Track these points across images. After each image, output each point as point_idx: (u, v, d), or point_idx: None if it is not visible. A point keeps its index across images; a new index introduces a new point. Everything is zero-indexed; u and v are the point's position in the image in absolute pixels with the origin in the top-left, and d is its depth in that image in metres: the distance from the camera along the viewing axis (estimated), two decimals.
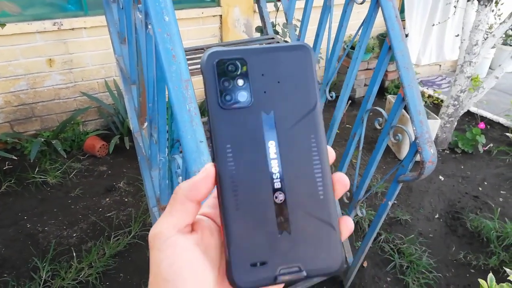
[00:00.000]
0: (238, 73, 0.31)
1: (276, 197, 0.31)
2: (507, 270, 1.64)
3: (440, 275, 1.89)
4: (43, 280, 1.65)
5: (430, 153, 1.31)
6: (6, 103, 2.51)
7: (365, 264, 1.92)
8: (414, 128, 1.28)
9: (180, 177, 1.12)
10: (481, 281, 1.57)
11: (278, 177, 0.31)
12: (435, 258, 1.98)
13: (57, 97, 2.64)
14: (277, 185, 0.31)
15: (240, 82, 0.31)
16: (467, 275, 1.92)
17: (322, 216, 0.32)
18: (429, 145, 1.31)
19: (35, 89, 2.56)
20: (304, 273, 0.31)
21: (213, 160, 0.32)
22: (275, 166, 0.31)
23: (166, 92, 0.95)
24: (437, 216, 2.30)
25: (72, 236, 1.91)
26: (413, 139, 1.31)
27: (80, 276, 1.69)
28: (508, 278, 1.60)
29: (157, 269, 0.29)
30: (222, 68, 0.31)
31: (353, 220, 2.00)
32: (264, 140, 0.31)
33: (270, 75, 0.32)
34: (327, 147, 0.33)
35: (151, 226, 1.92)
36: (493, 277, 1.57)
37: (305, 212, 0.31)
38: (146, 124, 1.59)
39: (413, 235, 2.11)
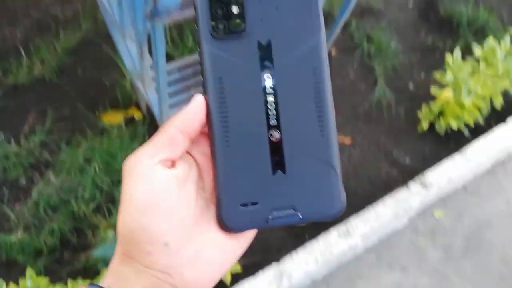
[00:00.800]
0: None
1: (271, 135, 0.29)
2: (474, 44, 1.63)
3: (407, 58, 1.89)
4: None
5: None
6: None
7: (332, 53, 1.89)
8: None
9: None
10: (447, 56, 1.56)
11: (274, 113, 0.29)
12: (403, 44, 1.96)
13: None
14: (273, 122, 0.29)
15: (234, 8, 0.29)
16: (433, 58, 1.93)
17: (322, 155, 0.29)
18: None
19: None
20: (299, 216, 0.29)
21: (204, 93, 0.29)
22: (270, 101, 0.29)
23: None
24: (411, 5, 2.20)
25: (15, 35, 1.75)
26: None
27: (34, 72, 1.60)
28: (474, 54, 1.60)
29: (131, 199, 0.27)
30: None
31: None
32: (259, 72, 0.29)
33: (267, 1, 0.29)
34: (330, 81, 0.30)
35: (103, 23, 1.77)
36: (460, 52, 1.56)
37: (303, 151, 0.29)
38: None
39: (384, 23, 2.04)
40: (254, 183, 0.29)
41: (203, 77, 0.29)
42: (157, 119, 1.44)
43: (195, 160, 0.31)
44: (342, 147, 1.60)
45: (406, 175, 1.55)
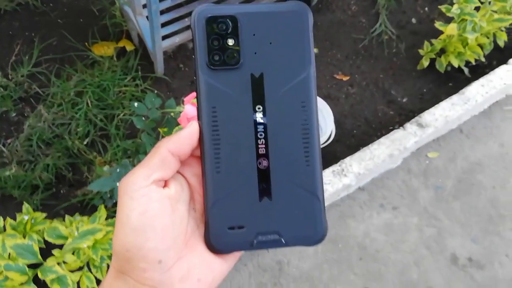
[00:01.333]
0: (229, 31, 0.31)
1: (259, 163, 0.31)
2: None
3: None
4: None
5: None
6: None
7: None
8: None
9: None
10: None
11: (263, 142, 0.31)
12: None
13: None
14: (262, 150, 0.31)
15: (230, 41, 0.31)
16: None
17: (306, 185, 0.31)
18: None
19: None
20: (283, 241, 0.31)
21: (198, 119, 0.31)
22: (260, 131, 0.31)
23: None
24: None
25: None
26: None
27: None
28: None
29: (126, 218, 0.28)
30: (212, 26, 0.31)
31: None
32: (251, 103, 0.31)
33: (262, 36, 0.31)
34: (317, 114, 0.32)
35: None
36: None
37: (289, 180, 0.31)
38: None
39: None
40: (242, 208, 0.31)
41: (197, 104, 0.31)
42: (150, 51, 1.39)
43: (188, 181, 0.32)
44: (340, 84, 1.57)
45: (403, 114, 1.54)
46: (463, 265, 1.32)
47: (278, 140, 0.31)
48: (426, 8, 1.78)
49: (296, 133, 0.31)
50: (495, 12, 1.47)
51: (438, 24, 1.50)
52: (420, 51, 1.59)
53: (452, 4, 1.47)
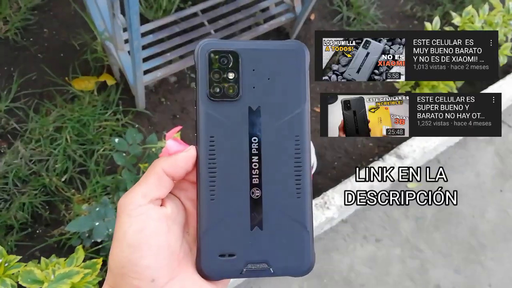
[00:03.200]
0: (230, 66, 0.32)
1: (252, 193, 0.32)
2: (452, 13, 1.62)
3: (385, 25, 1.87)
4: None
5: None
6: None
7: (312, 17, 1.84)
8: None
9: None
10: (426, 24, 1.55)
11: (257, 173, 0.32)
12: (382, 10, 1.93)
13: None
14: (255, 181, 0.32)
15: (231, 75, 0.32)
16: (410, 26, 1.92)
17: (296, 216, 0.32)
18: None
19: None
20: (271, 271, 0.32)
21: (196, 146, 0.32)
22: (255, 162, 0.32)
23: None
24: None
25: None
26: None
27: None
28: (452, 22, 1.59)
29: (123, 235, 0.29)
30: (215, 60, 0.32)
31: None
32: (247, 135, 0.32)
33: (261, 71, 0.32)
34: (310, 148, 0.32)
35: None
36: (439, 20, 1.55)
37: (280, 210, 0.32)
38: None
39: None
40: (233, 236, 0.32)
41: (196, 133, 0.32)
42: (131, 85, 1.38)
43: (183, 205, 0.33)
44: (318, 117, 1.60)
45: (381, 146, 1.57)
46: None
47: (271, 171, 0.32)
48: None
49: (289, 166, 0.32)
50: None
51: None
52: (396, 84, 1.64)
53: None
